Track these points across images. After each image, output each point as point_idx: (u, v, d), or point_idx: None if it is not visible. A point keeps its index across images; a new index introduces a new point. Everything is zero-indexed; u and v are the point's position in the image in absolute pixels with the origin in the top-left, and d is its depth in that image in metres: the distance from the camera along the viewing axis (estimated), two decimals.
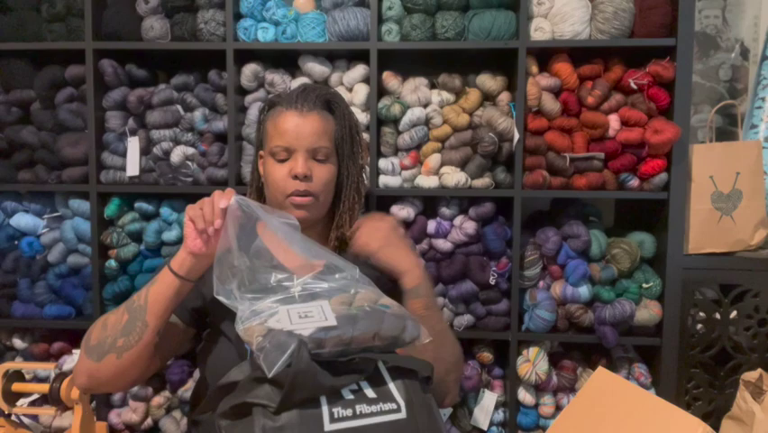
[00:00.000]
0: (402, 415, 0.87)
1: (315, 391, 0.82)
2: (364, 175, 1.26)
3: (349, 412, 0.83)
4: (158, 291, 0.97)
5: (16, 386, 1.50)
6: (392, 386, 0.90)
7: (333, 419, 0.82)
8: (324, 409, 0.83)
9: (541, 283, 1.68)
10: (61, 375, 1.49)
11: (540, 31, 1.60)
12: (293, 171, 1.09)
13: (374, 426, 0.84)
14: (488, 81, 1.65)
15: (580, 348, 1.78)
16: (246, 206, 0.95)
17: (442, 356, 1.06)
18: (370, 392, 0.88)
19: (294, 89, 1.19)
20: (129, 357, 0.95)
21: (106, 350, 0.95)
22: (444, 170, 1.65)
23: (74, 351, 1.80)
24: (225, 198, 0.94)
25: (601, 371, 1.21)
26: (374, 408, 0.85)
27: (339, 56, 1.71)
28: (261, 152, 1.19)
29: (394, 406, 0.87)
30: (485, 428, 1.70)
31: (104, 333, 0.95)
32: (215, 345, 1.07)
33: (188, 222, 0.97)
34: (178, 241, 1.69)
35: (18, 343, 1.83)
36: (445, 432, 1.03)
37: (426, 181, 1.64)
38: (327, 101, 1.16)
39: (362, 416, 0.84)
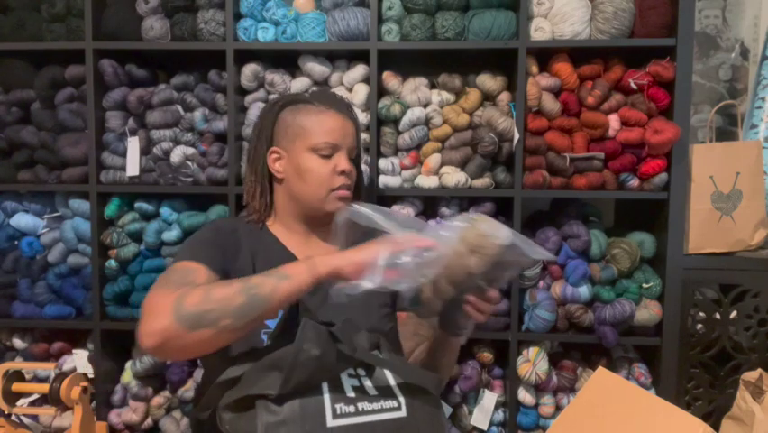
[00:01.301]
0: (402, 413, 0.88)
1: (315, 373, 0.84)
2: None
3: (351, 409, 0.85)
4: (290, 289, 0.89)
5: (16, 386, 1.51)
6: (393, 384, 0.91)
7: (335, 415, 0.84)
8: (327, 404, 0.84)
9: (541, 283, 1.68)
10: (61, 375, 1.49)
11: (540, 31, 1.60)
12: (339, 167, 1.13)
13: (375, 423, 0.86)
14: (488, 81, 1.65)
15: (580, 348, 1.79)
16: (359, 215, 0.98)
17: (452, 363, 1.19)
18: (371, 389, 0.89)
19: (316, 92, 1.23)
20: (225, 337, 0.88)
21: (205, 324, 0.85)
22: (444, 170, 1.65)
23: (74, 351, 1.80)
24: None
25: (602, 371, 1.22)
26: (375, 405, 0.87)
27: (339, 56, 1.71)
28: (277, 149, 1.17)
29: (395, 404, 0.89)
30: (485, 427, 1.70)
31: (206, 304, 0.86)
32: None
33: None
34: (178, 241, 1.69)
35: (18, 343, 1.83)
36: (447, 432, 1.04)
37: (426, 181, 1.64)
38: (350, 109, 1.23)
39: (364, 413, 0.86)
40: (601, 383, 1.18)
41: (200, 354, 0.91)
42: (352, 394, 0.87)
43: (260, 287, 0.88)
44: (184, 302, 0.85)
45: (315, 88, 1.70)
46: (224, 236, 1.10)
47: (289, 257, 1.13)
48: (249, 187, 1.20)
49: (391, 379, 0.92)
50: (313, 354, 0.84)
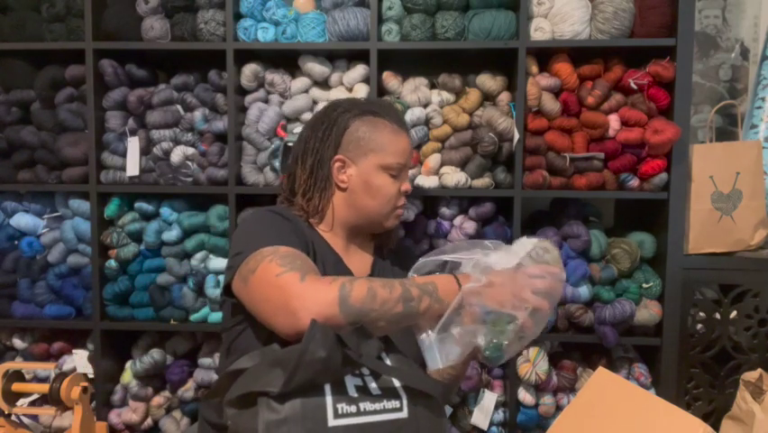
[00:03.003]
0: (404, 414, 0.88)
1: (319, 374, 0.84)
2: None
3: (353, 409, 0.85)
4: (437, 312, 0.97)
5: (16, 386, 1.51)
6: (398, 385, 0.91)
7: (336, 415, 0.84)
8: (329, 404, 0.84)
9: None
10: (61, 375, 1.49)
11: (540, 31, 1.60)
12: (405, 188, 1.19)
13: (376, 424, 0.86)
14: (488, 81, 1.65)
15: (580, 348, 1.78)
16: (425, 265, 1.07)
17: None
18: (375, 389, 0.89)
19: (386, 106, 1.23)
20: (373, 330, 0.93)
21: (365, 320, 0.90)
22: (444, 170, 1.65)
23: (74, 351, 1.80)
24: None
25: (602, 371, 1.21)
26: (377, 405, 0.87)
27: (339, 56, 1.71)
28: (342, 157, 1.14)
29: (397, 405, 0.89)
30: (485, 427, 1.70)
31: (371, 303, 0.91)
32: (253, 327, 1.05)
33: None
34: (178, 241, 1.69)
35: (18, 343, 1.83)
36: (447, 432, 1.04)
37: (426, 181, 1.64)
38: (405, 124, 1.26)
39: (365, 413, 0.86)
40: (601, 383, 1.18)
41: None
42: (354, 394, 0.87)
43: (418, 302, 0.94)
44: (350, 296, 0.90)
45: (315, 89, 1.70)
46: (293, 225, 1.10)
47: (338, 261, 1.15)
48: (305, 188, 1.16)
49: (397, 381, 0.92)
50: (318, 356, 0.83)
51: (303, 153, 1.17)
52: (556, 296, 1.02)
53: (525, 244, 1.03)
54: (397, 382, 0.91)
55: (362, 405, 0.86)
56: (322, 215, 1.16)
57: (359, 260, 1.21)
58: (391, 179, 1.16)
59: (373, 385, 0.90)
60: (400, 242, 1.35)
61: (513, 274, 0.98)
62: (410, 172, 1.65)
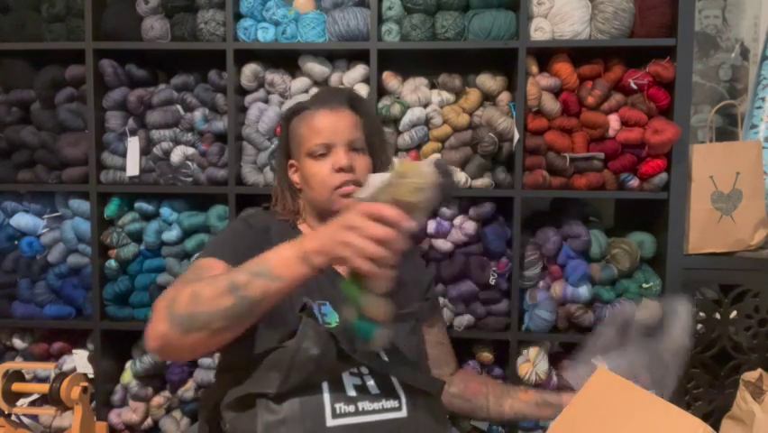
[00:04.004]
0: (403, 414, 0.88)
1: (314, 373, 0.84)
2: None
3: (351, 408, 0.85)
4: (282, 289, 0.82)
5: (16, 386, 1.51)
6: (396, 382, 0.91)
7: (335, 415, 0.84)
8: (327, 404, 0.84)
9: (541, 283, 1.68)
10: (61, 375, 1.49)
11: (540, 31, 1.60)
12: (336, 165, 1.10)
13: (375, 423, 0.85)
14: (488, 81, 1.65)
15: (580, 348, 1.78)
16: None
17: None
18: (374, 388, 0.89)
19: (316, 94, 1.22)
20: (222, 338, 0.84)
21: (198, 327, 0.82)
22: None
23: (74, 351, 1.80)
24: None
25: (602, 371, 1.21)
26: (376, 405, 0.87)
27: (339, 56, 1.71)
28: (293, 161, 1.19)
29: (396, 404, 0.88)
30: (485, 428, 1.69)
31: (196, 306, 0.82)
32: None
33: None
34: (178, 241, 1.69)
35: (18, 343, 1.83)
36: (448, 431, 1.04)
37: None
38: (351, 99, 1.19)
39: (364, 413, 0.86)
40: (602, 384, 1.18)
41: (204, 355, 0.89)
42: (353, 393, 0.87)
43: (249, 288, 0.81)
44: (176, 305, 0.82)
45: (314, 89, 1.70)
46: (254, 233, 1.08)
47: None
48: (279, 196, 1.21)
49: (396, 380, 0.92)
50: (312, 354, 0.83)
51: (275, 162, 1.24)
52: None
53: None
54: (396, 381, 0.91)
55: (361, 405, 0.86)
56: (298, 216, 1.18)
57: None
58: (319, 162, 1.12)
59: (372, 384, 0.90)
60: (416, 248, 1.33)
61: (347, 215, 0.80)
62: None
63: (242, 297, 0.81)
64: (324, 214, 1.13)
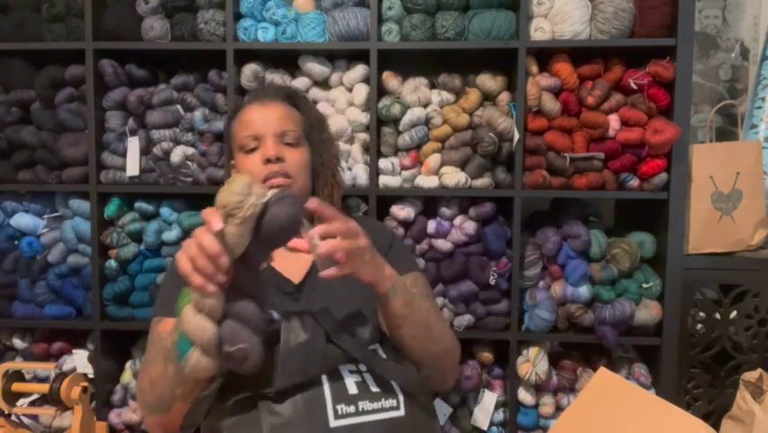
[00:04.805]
0: (401, 413, 0.89)
1: (309, 360, 0.85)
2: (340, 165, 1.25)
3: (352, 409, 0.86)
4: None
5: (16, 386, 1.51)
6: (393, 382, 0.91)
7: (337, 416, 0.84)
8: (329, 404, 0.85)
9: (541, 283, 1.68)
10: (61, 375, 1.49)
11: (540, 31, 1.60)
12: (264, 156, 1.08)
13: (375, 423, 0.86)
14: (488, 81, 1.65)
15: (580, 348, 1.78)
16: None
17: (429, 348, 1.03)
18: (374, 387, 0.90)
19: (252, 92, 1.23)
20: (196, 393, 0.89)
21: (169, 402, 0.89)
22: (444, 170, 1.65)
23: (74, 351, 1.80)
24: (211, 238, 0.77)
25: (603, 371, 1.22)
26: (376, 404, 0.88)
27: (339, 56, 1.71)
28: (232, 161, 1.19)
29: (394, 403, 0.89)
30: (485, 428, 1.70)
31: (156, 388, 0.90)
32: None
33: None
34: (178, 241, 1.69)
35: (18, 343, 1.83)
36: (440, 431, 1.03)
37: (426, 181, 1.64)
38: (288, 95, 1.18)
39: (364, 413, 0.86)
40: (603, 384, 1.18)
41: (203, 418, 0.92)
42: (354, 391, 0.87)
43: (169, 345, 0.85)
44: (146, 396, 0.91)
45: (315, 89, 1.70)
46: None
47: (271, 268, 1.10)
48: None
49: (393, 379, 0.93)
50: (301, 340, 0.84)
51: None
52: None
53: None
54: (393, 382, 0.92)
55: (361, 405, 0.87)
56: None
57: (294, 257, 1.12)
58: (249, 156, 1.11)
59: (371, 380, 0.90)
60: (368, 221, 1.27)
61: None
62: (410, 172, 1.66)
63: (176, 360, 0.81)
64: None
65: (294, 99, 1.19)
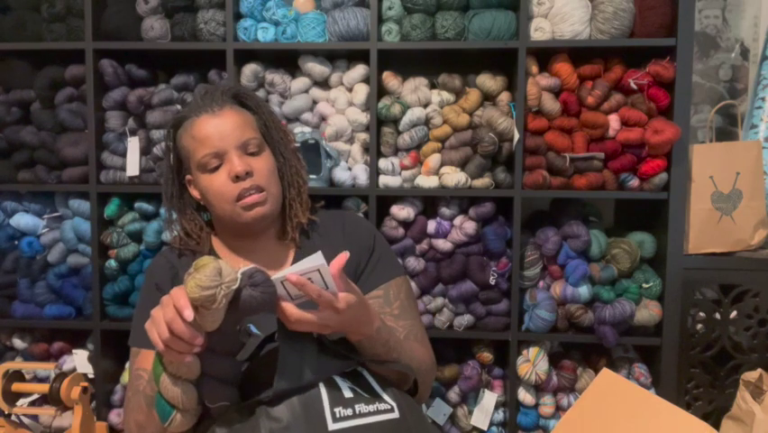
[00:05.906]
0: (396, 415, 0.89)
1: (291, 348, 0.85)
2: (298, 159, 1.17)
3: (349, 412, 0.86)
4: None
5: (16, 386, 1.51)
6: (379, 390, 0.92)
7: (335, 419, 0.84)
8: (326, 408, 0.85)
9: (541, 283, 1.68)
10: (61, 375, 1.49)
11: (540, 31, 1.60)
12: (231, 173, 1.00)
13: (372, 424, 0.86)
14: (488, 81, 1.65)
15: (580, 348, 1.78)
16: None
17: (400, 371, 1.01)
18: (366, 394, 0.90)
19: (193, 97, 1.15)
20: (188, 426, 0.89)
21: None
22: (444, 170, 1.65)
23: (74, 351, 1.80)
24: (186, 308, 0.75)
25: (606, 372, 1.21)
26: (371, 407, 0.88)
27: (339, 56, 1.71)
28: (188, 176, 1.10)
29: (388, 406, 0.90)
30: (485, 428, 1.70)
31: (144, 429, 0.94)
32: None
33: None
34: None
35: (18, 343, 1.83)
36: (433, 431, 1.04)
37: (426, 181, 1.64)
38: (235, 95, 1.10)
39: (362, 415, 0.87)
40: (606, 385, 1.18)
41: None
42: (350, 395, 0.88)
43: (150, 391, 0.88)
44: None
45: (315, 89, 1.70)
46: (162, 293, 0.85)
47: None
48: (173, 225, 1.13)
49: (378, 386, 0.93)
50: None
51: (165, 192, 1.13)
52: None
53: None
54: (379, 390, 0.93)
55: (358, 407, 0.87)
56: (209, 236, 1.12)
57: (269, 261, 1.09)
58: (213, 175, 1.02)
59: (363, 390, 0.91)
60: (346, 216, 1.20)
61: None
62: (410, 172, 1.66)
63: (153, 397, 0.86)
64: (236, 228, 1.07)
65: (243, 99, 1.10)
